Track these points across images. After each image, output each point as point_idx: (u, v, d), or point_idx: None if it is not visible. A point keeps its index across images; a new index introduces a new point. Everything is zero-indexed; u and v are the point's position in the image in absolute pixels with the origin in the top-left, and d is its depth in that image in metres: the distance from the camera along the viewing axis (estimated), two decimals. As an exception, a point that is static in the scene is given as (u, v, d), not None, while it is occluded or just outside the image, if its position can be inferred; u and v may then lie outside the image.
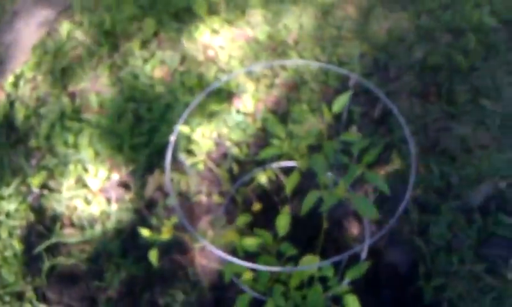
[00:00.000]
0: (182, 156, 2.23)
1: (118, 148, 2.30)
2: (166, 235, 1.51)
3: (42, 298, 2.00)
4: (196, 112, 2.29)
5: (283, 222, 1.43)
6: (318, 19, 2.62)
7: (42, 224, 2.16)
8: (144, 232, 1.49)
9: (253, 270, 1.39)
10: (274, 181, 2.04)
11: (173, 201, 1.35)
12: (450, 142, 2.13)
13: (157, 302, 1.93)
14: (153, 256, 1.46)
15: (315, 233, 1.60)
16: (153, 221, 2.09)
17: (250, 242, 1.40)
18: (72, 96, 2.54)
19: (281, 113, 2.29)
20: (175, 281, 1.96)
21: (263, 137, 2.24)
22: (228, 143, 2.25)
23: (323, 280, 1.40)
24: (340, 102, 1.27)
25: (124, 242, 2.09)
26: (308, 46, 2.50)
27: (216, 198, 1.71)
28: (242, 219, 1.49)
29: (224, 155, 2.22)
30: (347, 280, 1.38)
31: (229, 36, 2.62)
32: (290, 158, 1.99)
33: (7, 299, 2.00)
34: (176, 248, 2.02)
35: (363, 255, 1.32)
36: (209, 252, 1.99)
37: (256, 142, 2.23)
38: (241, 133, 2.24)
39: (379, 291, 1.77)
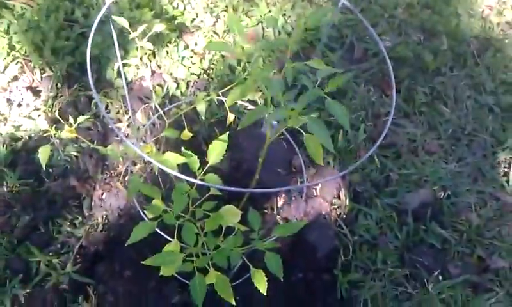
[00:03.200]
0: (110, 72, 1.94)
1: (37, 47, 1.96)
2: (69, 133, 1.22)
3: None
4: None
5: (217, 149, 1.18)
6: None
7: None
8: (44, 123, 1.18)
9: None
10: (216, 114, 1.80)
11: (96, 97, 1.04)
12: (398, 139, 1.99)
13: (36, 228, 1.63)
14: (43, 152, 1.12)
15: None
16: (56, 135, 1.79)
17: (171, 160, 1.13)
18: (-1, -23, 2.16)
19: (233, 61, 2.05)
20: (63, 210, 1.67)
21: (206, 81, 1.99)
22: (166, 76, 1.98)
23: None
24: (317, 16, 1.01)
25: (16, 153, 1.77)
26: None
27: (141, 117, 1.45)
28: (168, 132, 1.23)
29: (159, 86, 1.95)
30: (273, 236, 1.16)
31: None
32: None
33: None
34: (76, 174, 1.74)
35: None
36: (113, 187, 1.72)
37: (197, 84, 1.98)
38: (183, 70, 1.98)
39: (292, 270, 1.58)
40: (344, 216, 1.75)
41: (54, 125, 1.78)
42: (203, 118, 1.38)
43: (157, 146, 1.75)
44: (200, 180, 1.16)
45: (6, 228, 1.63)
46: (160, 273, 1.07)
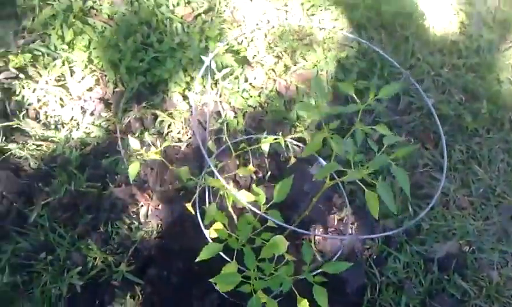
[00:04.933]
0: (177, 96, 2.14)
1: (114, 64, 2.19)
2: (154, 154, 1.42)
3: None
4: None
5: (283, 189, 1.32)
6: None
7: (6, 105, 2.03)
8: (134, 143, 1.40)
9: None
10: (278, 153, 1.98)
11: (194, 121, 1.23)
12: (432, 191, 2.12)
13: (97, 227, 1.82)
14: (133, 168, 1.37)
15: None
16: (122, 146, 1.99)
17: (244, 196, 1.30)
18: (85, -4, 2.41)
19: (288, 99, 2.23)
20: (123, 214, 1.86)
21: (261, 114, 2.17)
22: (225, 104, 2.17)
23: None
24: (390, 90, 1.18)
25: (84, 157, 1.98)
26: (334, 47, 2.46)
27: (210, 145, 1.64)
28: (243, 171, 1.41)
29: (218, 114, 2.14)
30: (320, 270, 1.31)
31: (263, 8, 2.56)
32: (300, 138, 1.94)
33: None
34: (137, 183, 1.93)
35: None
36: (169, 199, 1.90)
37: (253, 117, 2.16)
38: (241, 101, 2.17)
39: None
40: (375, 257, 1.89)
41: (121, 136, 2.00)
42: (265, 155, 1.56)
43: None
44: (265, 213, 1.32)
45: (70, 223, 1.82)
46: (218, 288, 1.23)
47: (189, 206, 1.38)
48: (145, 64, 2.20)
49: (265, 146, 1.54)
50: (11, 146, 1.92)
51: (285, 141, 1.50)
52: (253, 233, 1.34)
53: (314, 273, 1.25)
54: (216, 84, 2.19)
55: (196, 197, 1.52)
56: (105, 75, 2.18)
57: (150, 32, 2.29)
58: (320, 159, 1.91)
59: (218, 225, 1.35)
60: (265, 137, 1.55)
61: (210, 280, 1.22)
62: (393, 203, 1.05)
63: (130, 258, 1.77)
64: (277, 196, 1.30)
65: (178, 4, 2.41)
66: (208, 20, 2.41)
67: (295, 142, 1.88)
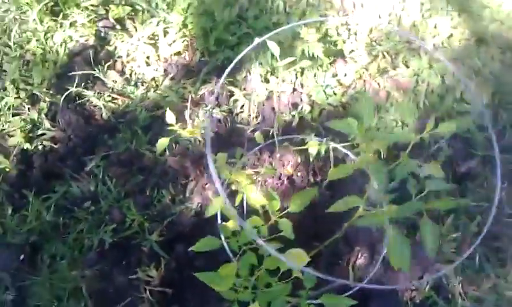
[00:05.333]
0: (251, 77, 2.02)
1: (205, 32, 2.14)
2: (187, 132, 1.35)
3: (52, 118, 1.97)
4: (290, 46, 2.05)
5: (302, 200, 1.20)
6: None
7: (97, 53, 2.10)
8: (170, 117, 1.34)
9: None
10: (322, 159, 1.78)
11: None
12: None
13: (144, 190, 1.81)
14: (161, 143, 1.34)
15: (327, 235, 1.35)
16: (189, 117, 1.94)
17: (256, 199, 1.18)
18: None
19: (375, 104, 1.97)
20: (170, 183, 1.81)
21: (340, 114, 1.96)
22: (304, 97, 1.99)
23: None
24: (450, 126, 0.97)
25: (153, 119, 1.97)
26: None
27: (257, 136, 1.51)
28: (268, 171, 1.28)
29: (294, 105, 1.98)
30: (318, 301, 1.13)
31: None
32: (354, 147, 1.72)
33: (24, 97, 1.98)
34: (192, 157, 1.87)
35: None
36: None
37: (330, 116, 1.96)
38: (322, 97, 1.97)
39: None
40: (418, 301, 1.59)
41: (191, 107, 1.95)
42: (311, 159, 1.38)
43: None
44: (275, 221, 1.17)
45: (121, 180, 1.84)
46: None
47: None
48: (236, 38, 2.11)
49: (312, 150, 1.35)
50: (89, 93, 1.99)
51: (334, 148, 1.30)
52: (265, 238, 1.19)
53: (310, 302, 1.07)
54: (273, 71, 2.02)
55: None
56: (195, 43, 2.14)
57: (249, 6, 2.19)
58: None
59: (230, 223, 1.22)
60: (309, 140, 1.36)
61: (197, 275, 1.11)
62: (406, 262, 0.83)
63: (163, 229, 1.72)
64: (293, 205, 1.13)
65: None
66: (314, 3, 2.23)
67: (345, 150, 1.64)
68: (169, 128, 1.33)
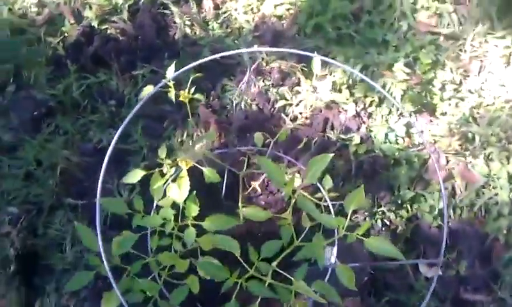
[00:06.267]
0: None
1: (310, 12, 1.96)
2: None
3: (133, 12, 1.98)
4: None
5: (317, 166, 1.04)
6: None
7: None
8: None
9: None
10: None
11: None
12: None
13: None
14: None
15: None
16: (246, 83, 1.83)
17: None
18: None
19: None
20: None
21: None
22: (363, 128, 1.75)
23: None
24: None
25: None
26: None
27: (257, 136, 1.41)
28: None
29: (346, 129, 1.76)
30: None
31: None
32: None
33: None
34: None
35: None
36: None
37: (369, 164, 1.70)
38: (380, 139, 1.71)
39: None
40: None
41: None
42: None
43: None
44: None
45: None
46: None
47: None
48: (335, 32, 1.92)
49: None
50: (174, 9, 1.98)
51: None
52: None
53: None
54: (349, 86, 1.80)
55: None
56: (298, 16, 1.98)
57: (372, 10, 1.96)
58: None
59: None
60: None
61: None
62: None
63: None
64: (309, 177, 1.01)
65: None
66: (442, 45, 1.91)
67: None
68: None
